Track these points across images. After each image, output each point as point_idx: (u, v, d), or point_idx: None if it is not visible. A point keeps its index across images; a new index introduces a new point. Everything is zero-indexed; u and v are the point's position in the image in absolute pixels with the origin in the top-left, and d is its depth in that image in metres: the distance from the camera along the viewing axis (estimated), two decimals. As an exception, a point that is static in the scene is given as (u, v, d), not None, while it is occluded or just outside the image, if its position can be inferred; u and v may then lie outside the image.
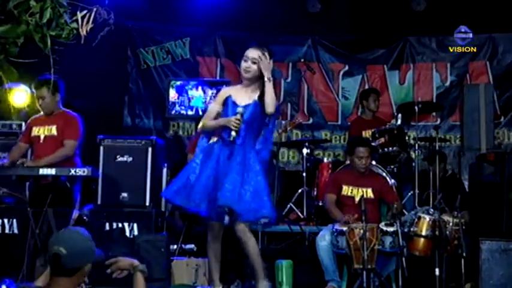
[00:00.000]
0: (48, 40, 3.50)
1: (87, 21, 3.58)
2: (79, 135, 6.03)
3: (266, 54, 4.91)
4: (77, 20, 3.59)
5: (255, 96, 4.94)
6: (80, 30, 3.58)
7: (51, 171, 5.66)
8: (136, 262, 3.54)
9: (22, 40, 3.56)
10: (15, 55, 3.70)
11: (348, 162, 6.73)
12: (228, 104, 4.96)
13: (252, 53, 4.92)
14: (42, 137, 6.04)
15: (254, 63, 4.90)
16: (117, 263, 3.52)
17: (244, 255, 5.02)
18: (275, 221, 5.14)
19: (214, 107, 5.03)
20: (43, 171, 5.66)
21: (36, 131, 6.08)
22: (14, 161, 5.91)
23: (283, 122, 7.77)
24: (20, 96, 7.49)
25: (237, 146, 4.86)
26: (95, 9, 3.63)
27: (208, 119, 4.98)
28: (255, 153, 4.95)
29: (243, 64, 4.94)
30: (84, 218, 6.37)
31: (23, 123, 6.61)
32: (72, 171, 5.66)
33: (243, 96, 4.98)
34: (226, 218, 4.83)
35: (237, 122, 4.81)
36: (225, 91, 5.09)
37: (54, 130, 6.02)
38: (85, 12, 3.61)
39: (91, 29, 3.68)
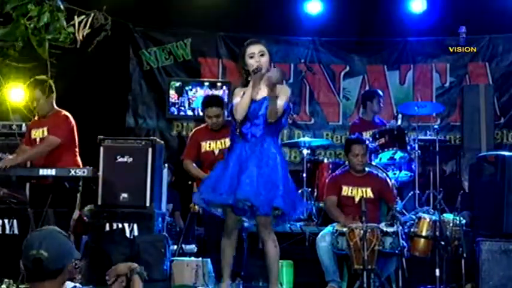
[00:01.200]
0: (46, 44, 3.49)
1: (84, 26, 3.58)
2: (64, 134, 5.99)
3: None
4: (74, 25, 3.59)
5: (266, 89, 4.80)
6: (77, 34, 3.58)
7: (51, 172, 5.67)
8: (134, 265, 3.39)
9: (21, 45, 3.56)
10: (14, 56, 3.71)
11: (347, 162, 6.73)
12: None
13: (256, 47, 4.87)
14: (38, 139, 6.05)
15: (262, 55, 4.84)
16: (115, 269, 3.38)
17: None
18: (292, 216, 4.88)
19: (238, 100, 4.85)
20: (43, 172, 5.68)
21: (34, 133, 6.10)
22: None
23: None
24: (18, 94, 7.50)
25: (256, 139, 4.78)
26: (92, 14, 3.63)
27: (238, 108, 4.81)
28: (275, 145, 4.86)
29: (251, 61, 4.82)
30: (85, 218, 6.38)
31: (23, 124, 6.61)
32: (72, 172, 5.67)
33: (256, 92, 4.83)
34: (246, 221, 4.83)
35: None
36: (238, 90, 4.90)
37: (46, 131, 6.01)
38: (83, 17, 3.60)
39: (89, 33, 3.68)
